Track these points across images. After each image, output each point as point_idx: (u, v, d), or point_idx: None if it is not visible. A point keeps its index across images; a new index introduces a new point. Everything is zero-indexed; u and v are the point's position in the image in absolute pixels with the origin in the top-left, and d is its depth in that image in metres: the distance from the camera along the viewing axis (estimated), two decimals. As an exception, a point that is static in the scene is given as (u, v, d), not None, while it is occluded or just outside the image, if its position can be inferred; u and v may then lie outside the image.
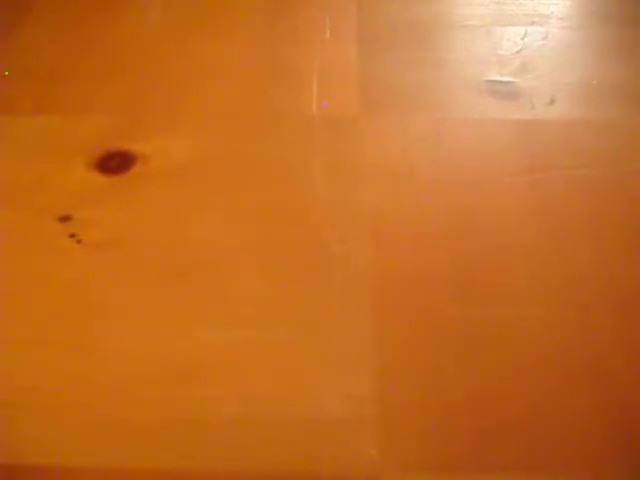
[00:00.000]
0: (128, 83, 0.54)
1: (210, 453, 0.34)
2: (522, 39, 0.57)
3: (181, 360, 0.37)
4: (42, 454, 0.34)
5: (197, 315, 0.39)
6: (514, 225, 0.43)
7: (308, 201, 0.45)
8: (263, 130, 0.50)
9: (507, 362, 0.37)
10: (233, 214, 0.44)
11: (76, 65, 0.55)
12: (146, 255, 0.42)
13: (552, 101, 0.51)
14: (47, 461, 0.34)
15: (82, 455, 0.34)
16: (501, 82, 0.53)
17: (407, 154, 0.48)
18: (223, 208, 0.45)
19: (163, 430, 0.35)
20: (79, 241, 0.42)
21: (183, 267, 0.41)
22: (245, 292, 0.40)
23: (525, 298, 0.40)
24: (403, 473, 0.33)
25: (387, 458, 0.34)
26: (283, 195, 0.45)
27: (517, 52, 0.55)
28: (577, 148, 0.48)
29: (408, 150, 0.48)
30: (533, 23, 0.58)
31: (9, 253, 0.42)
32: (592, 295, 0.40)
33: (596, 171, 0.46)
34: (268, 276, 0.41)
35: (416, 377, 0.36)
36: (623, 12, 0.59)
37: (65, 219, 0.44)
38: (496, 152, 0.48)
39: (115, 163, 0.47)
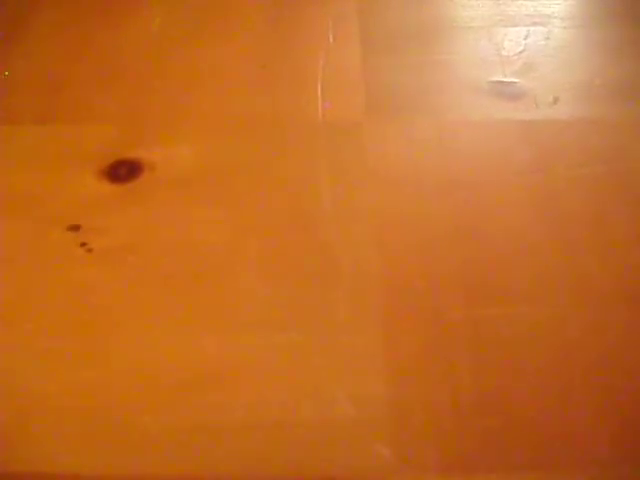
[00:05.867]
0: (132, 91, 0.54)
1: (223, 458, 0.34)
2: (524, 39, 0.57)
3: (193, 366, 0.38)
4: (55, 462, 0.35)
5: (207, 321, 0.40)
6: (520, 225, 0.44)
7: (313, 206, 0.45)
8: (267, 135, 0.50)
9: (517, 362, 0.37)
10: (240, 220, 0.45)
11: (79, 74, 0.55)
12: (157, 262, 0.42)
13: (556, 100, 0.51)
14: (60, 469, 0.34)
15: (95, 463, 0.34)
16: (504, 83, 0.53)
17: (412, 157, 0.48)
18: (230, 214, 0.45)
19: (176, 437, 0.35)
20: (90, 250, 0.43)
21: (193, 274, 0.42)
22: (254, 298, 0.40)
23: (534, 298, 0.40)
24: (416, 474, 0.34)
25: (400, 459, 0.34)
26: (289, 200, 0.45)
27: (520, 52, 0.55)
28: (581, 147, 0.48)
29: (412, 153, 0.48)
30: (535, 23, 0.58)
31: (20, 263, 0.43)
32: (601, 294, 0.40)
33: (600, 169, 0.46)
34: (276, 281, 0.41)
35: (427, 378, 0.37)
36: (625, 12, 0.59)
37: (75, 228, 0.44)
38: (501, 152, 0.48)
39: (123, 171, 0.47)
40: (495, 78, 0.53)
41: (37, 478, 0.34)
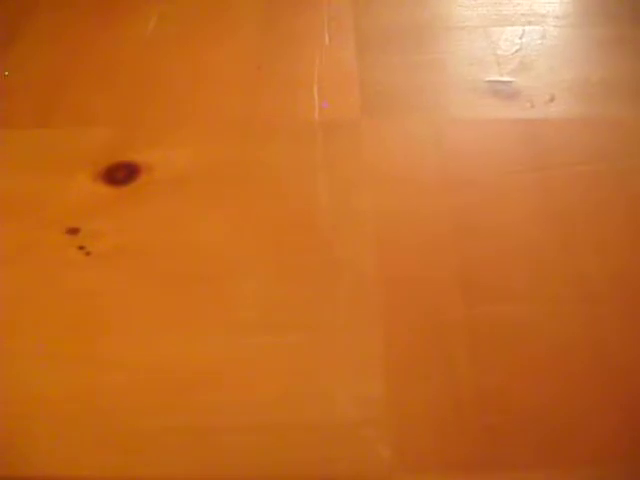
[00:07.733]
0: (129, 93, 0.54)
1: (222, 459, 0.34)
2: (520, 39, 0.57)
3: (193, 367, 0.38)
4: (56, 465, 0.34)
5: (206, 322, 0.40)
6: (517, 224, 0.44)
7: (311, 206, 0.45)
8: (264, 136, 0.50)
9: (516, 360, 0.37)
10: (238, 221, 0.45)
11: (75, 77, 0.55)
12: (155, 265, 0.42)
13: (552, 99, 0.51)
14: (61, 472, 0.34)
15: (97, 465, 0.34)
16: (500, 82, 0.53)
17: (408, 156, 0.48)
18: (228, 215, 0.45)
19: (177, 438, 0.35)
20: (88, 253, 0.43)
21: (191, 275, 0.42)
22: (253, 298, 0.40)
23: (532, 296, 0.40)
24: (416, 473, 0.34)
25: (400, 458, 0.34)
26: (286, 201, 0.46)
27: (515, 52, 0.56)
28: (578, 145, 0.48)
29: (409, 152, 0.48)
30: (530, 23, 0.58)
31: (18, 266, 0.43)
32: (599, 291, 0.40)
33: (597, 167, 0.47)
34: (275, 282, 0.41)
35: (427, 377, 0.37)
36: (619, 10, 0.59)
37: (73, 231, 0.44)
38: (497, 152, 0.48)
39: (121, 174, 0.47)
40: (491, 77, 0.54)
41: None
